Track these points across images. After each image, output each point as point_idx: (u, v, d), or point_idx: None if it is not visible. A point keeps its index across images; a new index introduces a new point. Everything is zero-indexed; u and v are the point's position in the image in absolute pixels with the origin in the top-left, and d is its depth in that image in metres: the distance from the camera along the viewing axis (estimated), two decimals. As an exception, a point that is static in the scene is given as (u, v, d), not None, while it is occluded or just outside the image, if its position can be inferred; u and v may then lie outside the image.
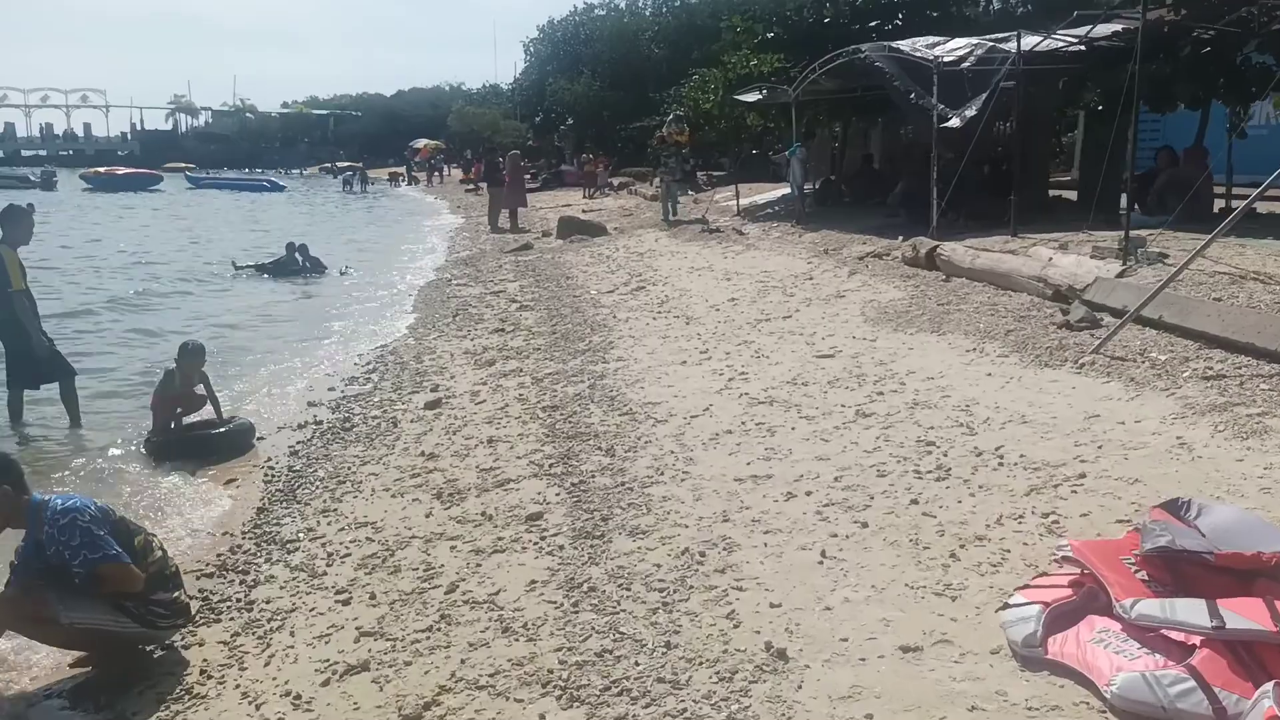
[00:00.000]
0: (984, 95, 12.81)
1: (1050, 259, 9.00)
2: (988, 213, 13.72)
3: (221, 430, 6.91)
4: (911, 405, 5.92)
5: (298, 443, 6.86)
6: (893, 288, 9.97)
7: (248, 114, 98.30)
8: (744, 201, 20.79)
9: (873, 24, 19.74)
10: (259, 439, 7.10)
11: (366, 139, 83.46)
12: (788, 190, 22.92)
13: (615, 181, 33.79)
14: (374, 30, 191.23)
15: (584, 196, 31.73)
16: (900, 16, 19.16)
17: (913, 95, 13.24)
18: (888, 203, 18.14)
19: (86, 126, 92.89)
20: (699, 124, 30.46)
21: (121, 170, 53.69)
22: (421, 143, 71.40)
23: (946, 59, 12.96)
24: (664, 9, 45.73)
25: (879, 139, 23.79)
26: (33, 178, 48.22)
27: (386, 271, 17.54)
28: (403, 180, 55.79)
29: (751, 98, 19.86)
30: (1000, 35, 13.90)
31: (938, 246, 10.59)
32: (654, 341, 8.86)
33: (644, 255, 15.58)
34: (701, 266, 13.44)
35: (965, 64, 12.96)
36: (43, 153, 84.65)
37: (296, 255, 17.22)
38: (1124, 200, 10.48)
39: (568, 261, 15.89)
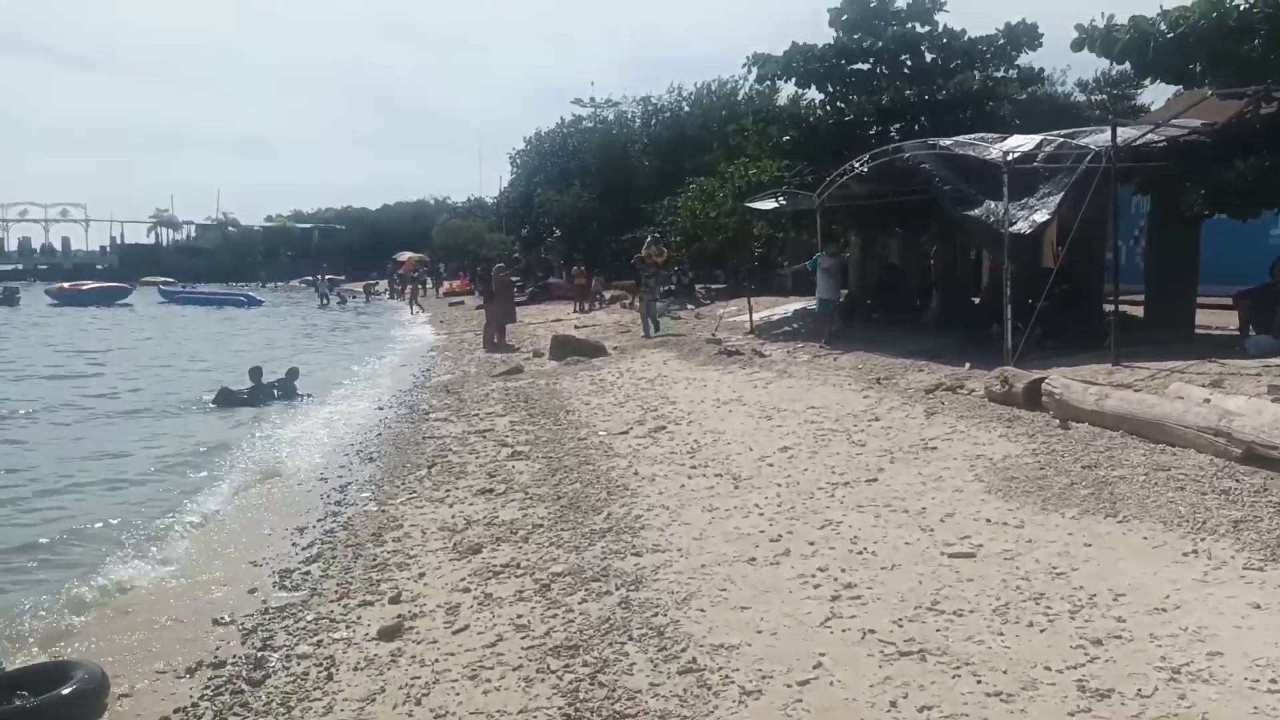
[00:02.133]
0: (1058, 196, 10.95)
1: (1218, 404, 6.83)
2: (1057, 333, 11.73)
3: (28, 707, 4.14)
4: (1169, 675, 3.60)
5: (176, 712, 4.43)
6: (998, 437, 7.74)
7: (230, 227, 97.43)
8: (755, 317, 18.82)
9: (896, 125, 18.28)
10: (121, 698, 4.65)
11: (350, 252, 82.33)
12: (800, 305, 21.06)
13: (607, 294, 31.95)
14: (358, 144, 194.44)
15: (574, 311, 29.81)
16: (924, 118, 17.64)
17: (978, 207, 11.37)
18: (923, 320, 16.20)
19: (65, 241, 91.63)
20: (697, 235, 28.94)
21: (88, 284, 51.63)
22: (405, 255, 70.27)
23: (1011, 156, 11.12)
24: (653, 120, 45.02)
25: (899, 247, 22.08)
26: (-8, 292, 46.19)
27: (353, 399, 15.23)
28: (382, 292, 54.03)
29: (767, 205, 18.10)
30: (1071, 130, 12.17)
31: (1043, 381, 8.42)
32: (697, 515, 6.54)
33: (655, 382, 13.37)
34: (729, 398, 11.21)
35: (1037, 160, 11.13)
36: (20, 267, 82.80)
37: (274, 386, 15.08)
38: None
39: (565, 390, 13.66)
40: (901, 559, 5.21)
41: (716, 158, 34.68)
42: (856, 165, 14.76)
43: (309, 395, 15.28)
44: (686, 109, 44.03)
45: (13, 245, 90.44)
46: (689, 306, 25.89)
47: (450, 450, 10.04)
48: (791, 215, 19.28)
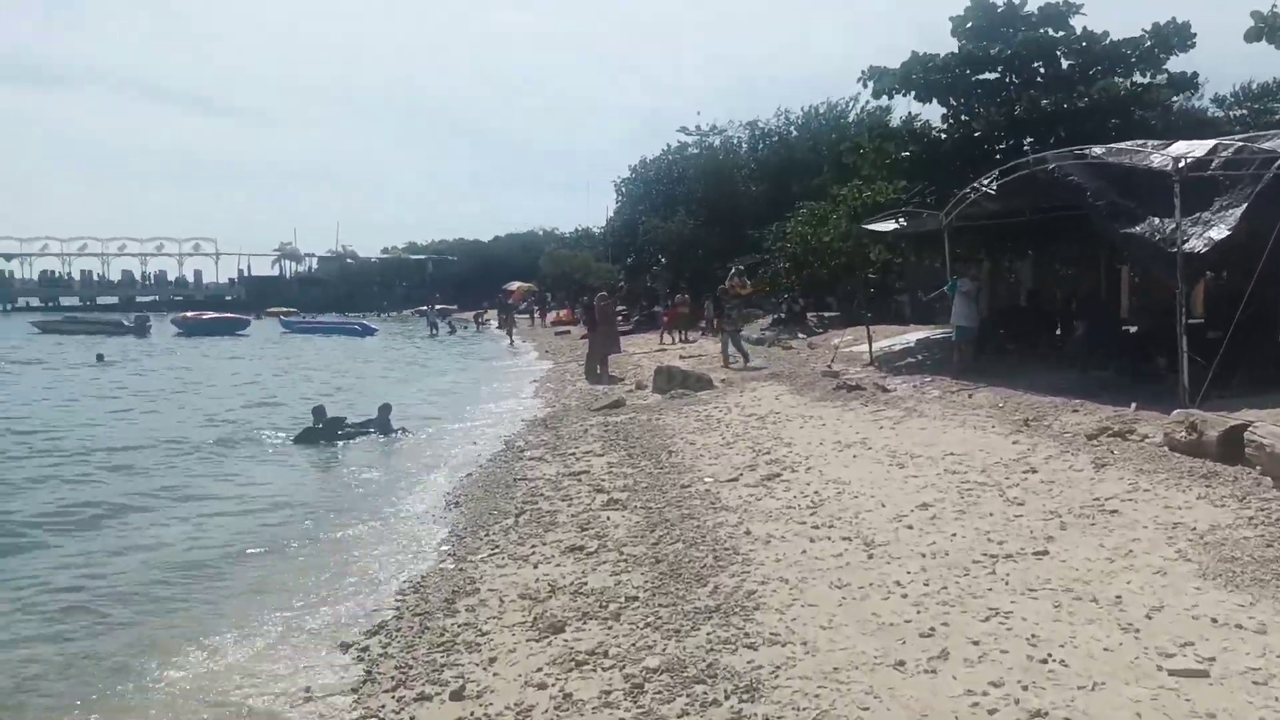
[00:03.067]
0: (1239, 208, 9.39)
1: None
2: (1235, 367, 10.09)
3: None
4: None
5: None
6: (1196, 499, 6.33)
7: (348, 259, 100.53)
8: (874, 347, 17.44)
9: (1029, 139, 16.74)
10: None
11: (462, 282, 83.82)
12: (923, 334, 19.57)
13: (701, 323, 30.80)
14: (471, 179, 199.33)
15: (678, 341, 28.83)
16: (1062, 129, 16.05)
17: (1140, 223, 9.89)
18: (1066, 351, 14.57)
19: (198, 273, 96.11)
20: (807, 261, 27.69)
21: (209, 315, 53.54)
22: (514, 285, 71.05)
23: (1183, 164, 9.61)
24: (760, 145, 44.00)
25: (1030, 270, 20.36)
26: (126, 323, 48.22)
27: (448, 435, 14.55)
28: (491, 322, 54.28)
29: (886, 227, 16.77)
30: (1249, 134, 10.58)
31: (1245, 428, 6.93)
32: (824, 593, 5.39)
33: (766, 419, 12.21)
34: (852, 440, 9.97)
35: (1212, 167, 9.60)
36: (156, 298, 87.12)
37: (390, 418, 14.56)
38: None
39: (668, 426, 12.63)
40: (1104, 673, 3.95)
41: (826, 181, 33.38)
42: (985, 182, 13.40)
43: (404, 430, 14.67)
44: (794, 133, 42.90)
45: (151, 278, 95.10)
46: (800, 336, 24.59)
47: (541, 495, 9.11)
48: (913, 238, 17.91)
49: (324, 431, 14.12)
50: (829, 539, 6.49)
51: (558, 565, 6.70)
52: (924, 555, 5.87)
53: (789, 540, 6.57)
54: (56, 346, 35.60)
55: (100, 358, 29.17)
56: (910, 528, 6.52)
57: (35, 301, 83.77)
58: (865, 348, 17.73)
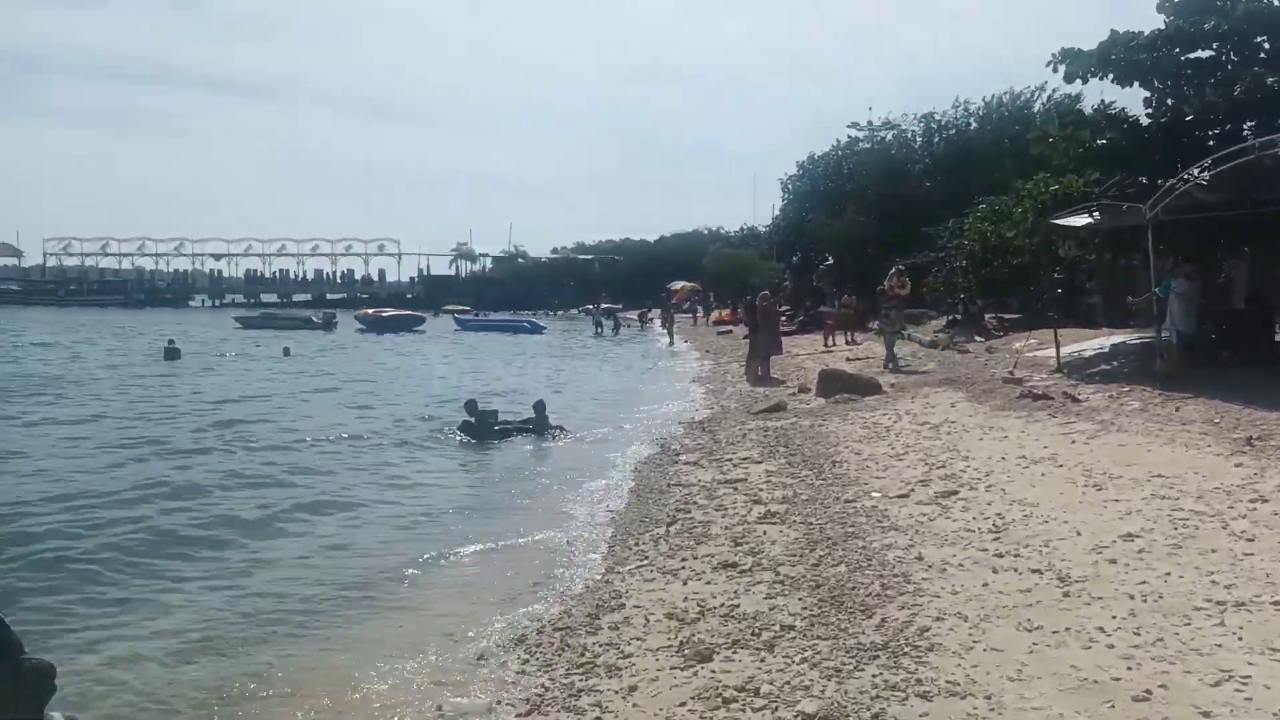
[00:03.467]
0: None
1: None
2: None
3: None
4: None
5: None
6: None
7: (520, 259, 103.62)
8: (1062, 352, 16.03)
9: (1250, 122, 14.93)
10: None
11: (627, 281, 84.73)
12: (1118, 338, 17.91)
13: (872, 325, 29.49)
14: (638, 181, 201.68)
15: (845, 342, 27.75)
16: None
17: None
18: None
19: (381, 272, 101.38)
20: (986, 259, 26.05)
21: (388, 312, 56.26)
22: (678, 284, 71.14)
23: None
24: (936, 139, 41.97)
25: (1245, 270, 18.28)
26: (315, 319, 51.34)
27: (604, 435, 14.37)
28: (655, 321, 54.47)
29: (1078, 221, 15.37)
30: None
31: None
32: (1011, 636, 4.69)
33: (940, 429, 11.32)
34: (1039, 456, 9.01)
35: None
36: (345, 296, 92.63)
37: (546, 416, 14.60)
38: None
39: (832, 434, 11.94)
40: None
41: (1009, 175, 31.41)
42: (1197, 171, 11.97)
43: (561, 429, 14.61)
44: (973, 125, 40.68)
45: (339, 277, 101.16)
46: (977, 339, 23.08)
47: (695, 503, 8.68)
48: (1107, 234, 16.38)
49: (477, 428, 14.22)
50: (1015, 570, 5.74)
51: (708, 583, 6.25)
52: (1132, 597, 5.05)
53: (968, 569, 5.86)
54: (254, 341, 38.13)
55: (286, 351, 31.02)
56: (1113, 562, 5.67)
57: (240, 298, 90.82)
58: (1051, 352, 16.35)
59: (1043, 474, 8.29)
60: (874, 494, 8.28)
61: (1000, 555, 6.07)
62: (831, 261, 42.61)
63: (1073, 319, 22.20)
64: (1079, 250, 19.06)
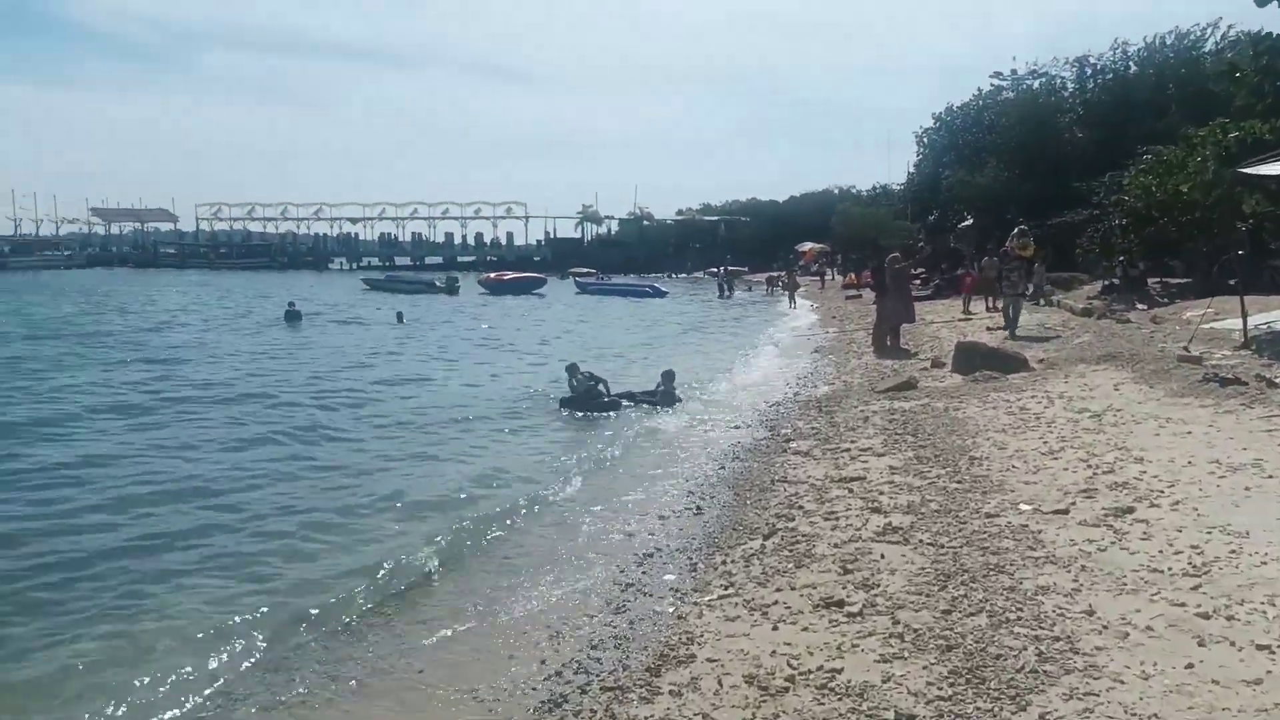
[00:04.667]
0: None
1: None
2: None
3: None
4: None
5: None
6: None
7: (645, 221, 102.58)
8: (1249, 325, 13.68)
9: None
10: None
11: (754, 243, 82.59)
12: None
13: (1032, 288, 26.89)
14: (767, 139, 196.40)
15: (986, 309, 25.39)
16: None
17: None
18: None
19: (509, 235, 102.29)
20: (1151, 216, 23.30)
21: (509, 275, 56.24)
22: (807, 246, 68.72)
23: None
24: (1090, 85, 38.19)
25: None
26: (438, 283, 51.66)
27: (710, 412, 13.05)
28: (780, 285, 52.55)
29: (1275, 169, 12.97)
30: None
31: None
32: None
33: (1103, 418, 9.47)
34: (1240, 462, 7.16)
35: None
36: (474, 259, 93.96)
37: (673, 388, 13.69)
38: None
39: (970, 419, 10.25)
40: None
41: (1174, 123, 28.13)
42: None
43: (681, 401, 13.56)
44: (1133, 69, 36.78)
45: (470, 239, 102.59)
46: (1139, 306, 20.51)
47: (800, 508, 7.30)
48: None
49: (581, 399, 13.21)
50: (1232, 643, 4.14)
51: (805, 628, 4.90)
52: None
53: (1160, 637, 4.30)
54: (376, 304, 38.39)
55: (400, 317, 30.86)
56: (1384, 640, 4.01)
57: (375, 261, 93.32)
58: (1234, 324, 14.02)
59: (1247, 488, 6.49)
60: (1023, 506, 6.69)
61: (1206, 615, 4.47)
62: (971, 221, 39.64)
63: (1258, 286, 19.40)
64: (1270, 204, 16.45)
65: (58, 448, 10.69)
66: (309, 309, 32.58)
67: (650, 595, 5.82)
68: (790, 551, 6.23)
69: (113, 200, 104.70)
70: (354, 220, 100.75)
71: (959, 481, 7.58)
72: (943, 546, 5.96)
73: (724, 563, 6.20)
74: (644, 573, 6.27)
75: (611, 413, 13.13)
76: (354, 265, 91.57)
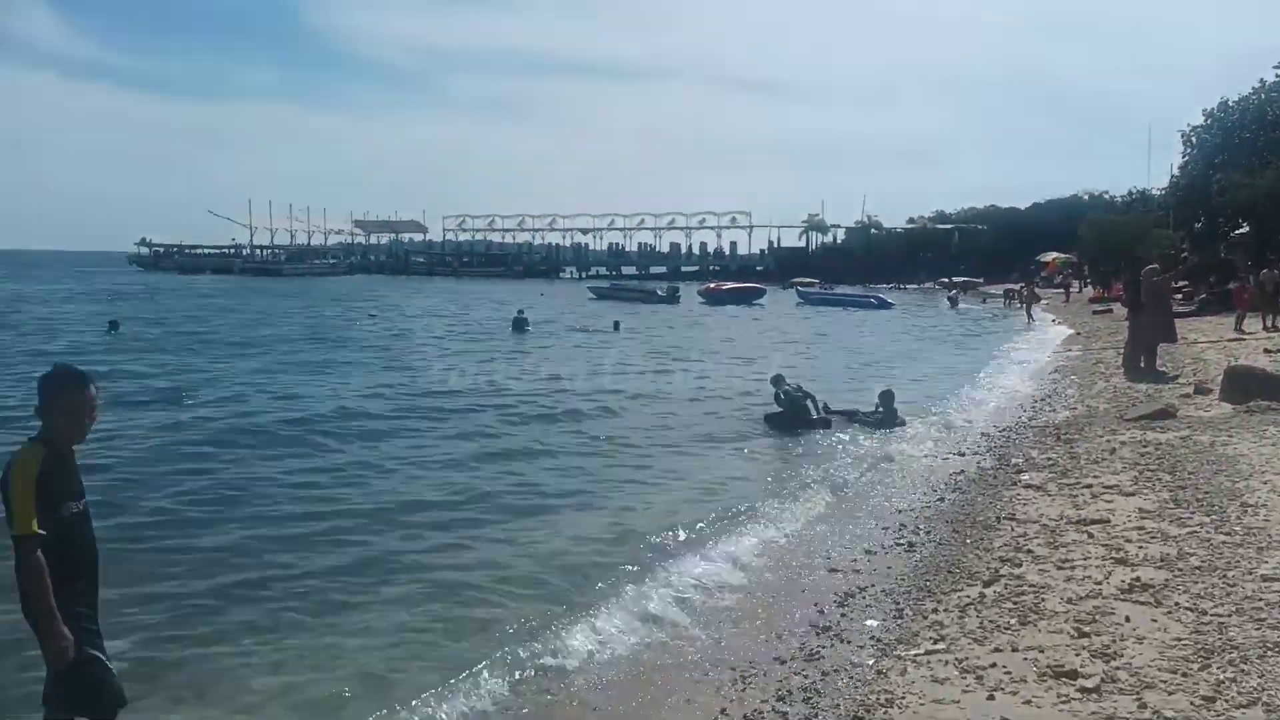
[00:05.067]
0: None
1: None
2: None
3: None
4: None
5: None
6: None
7: (873, 230, 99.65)
8: None
9: None
10: None
11: (991, 253, 78.18)
12: None
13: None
14: (1007, 143, 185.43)
15: (1264, 328, 22.38)
16: None
17: None
18: None
19: (733, 245, 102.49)
20: None
21: (728, 285, 56.14)
22: (1049, 256, 64.23)
23: None
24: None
25: None
26: (660, 292, 52.35)
27: (932, 435, 12.15)
28: (1017, 298, 49.21)
29: None
30: None
31: None
32: None
33: None
34: None
35: None
36: (697, 268, 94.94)
37: (894, 408, 12.98)
38: None
39: (1242, 458, 8.82)
40: None
41: None
42: None
43: (903, 422, 12.75)
44: None
45: (695, 249, 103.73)
46: None
47: (1029, 551, 6.49)
48: None
49: (787, 418, 12.68)
50: None
51: (1028, 701, 4.23)
52: None
53: None
54: (599, 312, 39.32)
55: (616, 325, 31.38)
56: None
57: (603, 270, 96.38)
58: None
59: None
60: (1315, 574, 5.56)
61: None
62: (1246, 229, 35.27)
63: None
64: None
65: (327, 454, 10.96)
66: (537, 316, 33.84)
67: (848, 643, 5.29)
68: (1014, 604, 5.49)
69: (372, 213, 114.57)
70: (584, 231, 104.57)
71: (1227, 533, 6.47)
72: (1205, 613, 5.03)
73: (935, 611, 5.56)
74: (844, 615, 5.73)
75: (820, 432, 12.50)
76: (582, 274, 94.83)
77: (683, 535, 7.63)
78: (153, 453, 10.54)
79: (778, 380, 13.30)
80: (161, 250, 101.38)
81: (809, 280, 69.02)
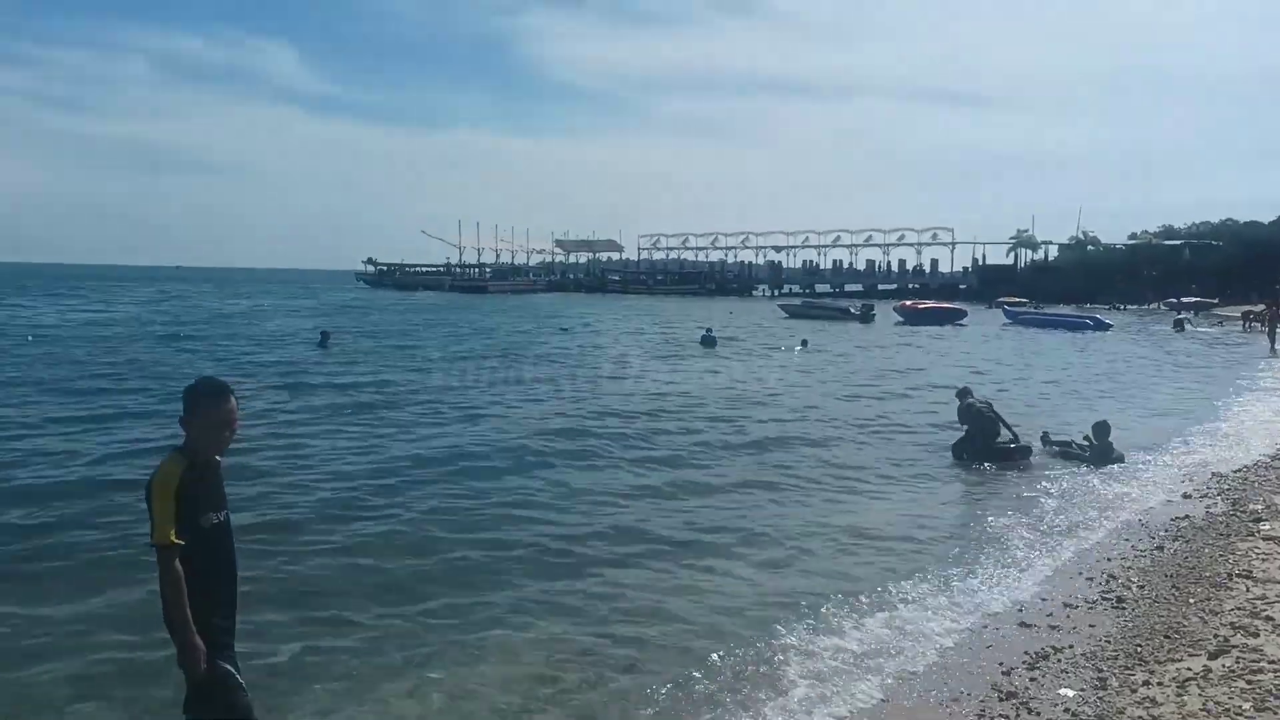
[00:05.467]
0: None
1: None
2: None
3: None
4: None
5: None
6: None
7: (1090, 246, 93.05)
8: None
9: None
10: None
11: (1228, 271, 71.01)
12: None
13: None
14: (1247, 152, 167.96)
15: None
16: None
17: None
18: None
19: (934, 262, 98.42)
20: None
21: (925, 304, 53.56)
22: (1301, 276, 57.45)
23: None
24: None
25: None
26: (853, 310, 50.76)
27: (1154, 469, 10.86)
28: (1259, 322, 44.20)
29: None
30: None
31: None
32: None
33: None
34: None
35: None
36: (895, 286, 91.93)
37: (1109, 443, 11.78)
38: None
39: None
40: None
41: None
42: None
43: (1120, 458, 11.52)
44: None
45: (893, 266, 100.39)
46: None
47: (1268, 616, 5.54)
48: None
49: (978, 447, 11.67)
50: None
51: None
52: None
53: None
54: (790, 330, 38.52)
55: (804, 343, 30.58)
56: None
57: (796, 287, 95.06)
58: None
59: None
60: None
61: None
62: None
63: None
64: None
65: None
66: (725, 334, 33.59)
67: (1037, 714, 4.61)
68: (1248, 683, 4.65)
69: (572, 233, 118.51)
70: (778, 248, 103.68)
71: None
72: None
73: (1147, 684, 4.79)
74: (1034, 680, 5.04)
75: (1018, 464, 11.44)
76: (775, 292, 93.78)
77: (858, 577, 7.06)
78: (329, 466, 10.80)
79: (964, 393, 12.32)
80: (385, 269, 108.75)
81: (1018, 299, 65.07)
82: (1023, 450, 11.79)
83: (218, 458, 3.68)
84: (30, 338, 27.43)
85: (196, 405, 3.58)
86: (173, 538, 3.38)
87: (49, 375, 18.28)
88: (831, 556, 7.70)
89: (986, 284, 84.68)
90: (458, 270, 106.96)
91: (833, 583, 6.88)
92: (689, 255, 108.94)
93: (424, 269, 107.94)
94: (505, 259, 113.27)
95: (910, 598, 6.53)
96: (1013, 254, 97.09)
